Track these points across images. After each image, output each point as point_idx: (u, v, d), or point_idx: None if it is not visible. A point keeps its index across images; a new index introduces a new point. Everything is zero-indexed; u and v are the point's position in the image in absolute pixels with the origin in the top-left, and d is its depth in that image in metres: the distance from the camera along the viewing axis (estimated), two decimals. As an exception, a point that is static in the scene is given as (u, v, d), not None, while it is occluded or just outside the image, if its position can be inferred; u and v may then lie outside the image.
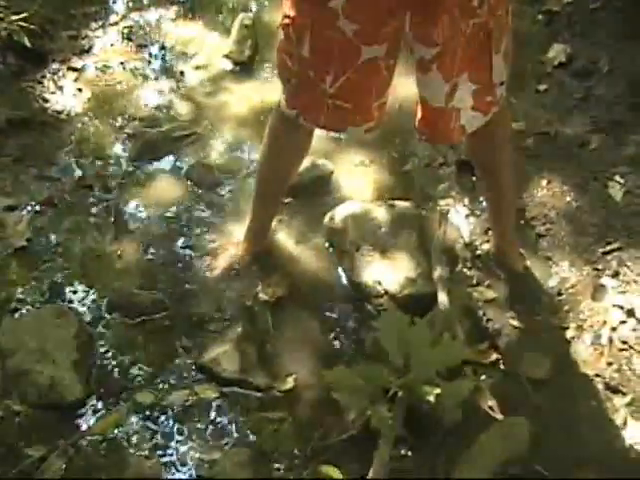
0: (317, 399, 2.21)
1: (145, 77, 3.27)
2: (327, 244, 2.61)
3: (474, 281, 2.50)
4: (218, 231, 2.66)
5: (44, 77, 3.21)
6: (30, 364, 2.21)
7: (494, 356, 2.30)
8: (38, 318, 2.35)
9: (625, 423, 2.16)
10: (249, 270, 2.52)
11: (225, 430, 2.17)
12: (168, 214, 2.73)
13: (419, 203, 2.69)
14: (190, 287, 2.50)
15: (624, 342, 2.32)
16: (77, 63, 3.29)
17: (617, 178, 2.74)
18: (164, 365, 2.30)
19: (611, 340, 2.33)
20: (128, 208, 2.75)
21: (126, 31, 3.47)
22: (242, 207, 2.68)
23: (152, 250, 2.61)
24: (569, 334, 2.36)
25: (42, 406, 2.17)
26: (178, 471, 2.08)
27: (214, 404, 2.21)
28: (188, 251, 2.60)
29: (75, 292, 2.48)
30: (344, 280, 2.52)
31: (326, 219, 2.63)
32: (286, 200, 2.67)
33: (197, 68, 3.32)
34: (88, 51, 3.36)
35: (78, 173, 2.85)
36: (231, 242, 2.60)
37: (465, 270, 2.53)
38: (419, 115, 2.14)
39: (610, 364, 2.28)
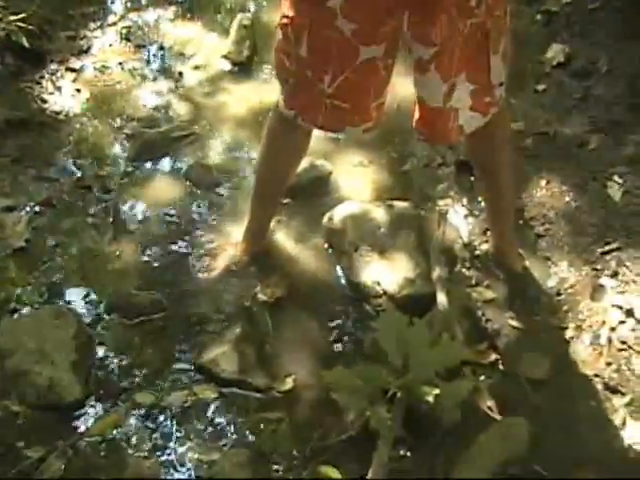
0: (316, 400, 2.21)
1: (143, 77, 3.27)
2: (326, 244, 2.61)
3: (473, 281, 2.50)
4: (217, 231, 2.66)
5: (42, 77, 3.21)
6: (29, 365, 2.21)
7: (493, 356, 2.30)
8: (37, 319, 2.35)
9: (624, 423, 2.16)
10: (248, 270, 2.52)
11: (224, 431, 2.17)
12: (167, 214, 2.72)
13: (418, 203, 2.69)
14: (189, 288, 2.49)
15: (623, 342, 2.32)
16: (75, 63, 3.29)
17: (616, 178, 2.74)
18: (163, 366, 2.29)
19: (610, 340, 2.33)
20: (127, 208, 2.75)
21: (124, 31, 3.47)
22: (241, 207, 2.67)
23: (151, 250, 2.61)
24: (568, 334, 2.36)
25: (41, 407, 2.17)
26: (177, 472, 2.08)
27: (213, 405, 2.21)
28: (187, 251, 2.60)
29: (74, 293, 2.48)
30: (343, 280, 2.52)
31: (325, 219, 2.63)
32: (285, 200, 2.67)
33: (195, 68, 3.32)
34: (86, 51, 3.36)
35: (77, 174, 2.85)
36: (229, 242, 2.60)
37: (464, 270, 2.53)
38: (417, 115, 2.14)
39: (609, 364, 2.28)
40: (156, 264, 2.57)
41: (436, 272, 2.38)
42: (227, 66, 3.33)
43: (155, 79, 3.26)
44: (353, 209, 2.60)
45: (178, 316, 2.41)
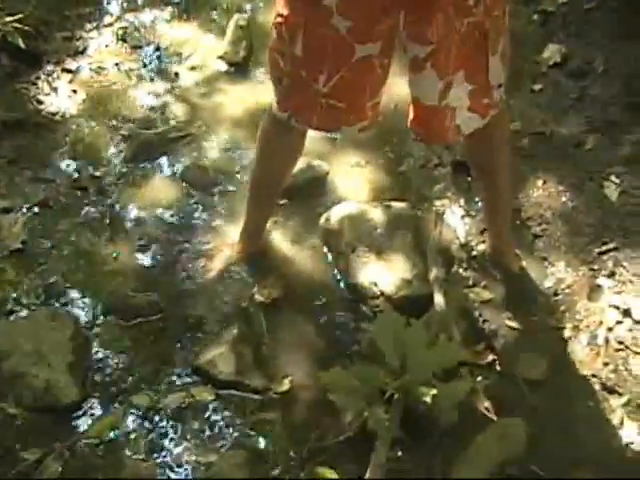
0: (313, 401, 2.21)
1: (140, 78, 3.26)
2: (323, 245, 2.61)
3: (470, 282, 2.50)
4: (213, 232, 2.66)
5: (38, 78, 3.20)
6: (25, 367, 2.20)
7: (490, 357, 2.30)
8: (33, 320, 2.34)
9: (622, 423, 2.16)
10: (244, 271, 2.52)
11: (221, 432, 2.16)
12: (163, 215, 2.72)
13: (415, 204, 2.69)
14: (185, 289, 2.49)
15: (620, 342, 2.32)
16: (72, 64, 3.28)
17: (613, 178, 2.74)
18: (160, 367, 2.29)
19: (607, 340, 2.33)
20: (123, 210, 2.74)
21: (121, 32, 3.46)
22: (237, 208, 2.67)
23: (147, 252, 2.60)
24: (565, 334, 2.36)
25: (38, 409, 2.16)
26: (174, 473, 2.08)
27: (210, 406, 2.21)
28: (183, 252, 2.60)
29: (70, 294, 2.47)
30: (340, 281, 2.52)
31: (322, 220, 2.62)
32: (282, 201, 2.67)
33: (192, 69, 3.32)
34: (83, 52, 3.35)
35: (73, 175, 2.85)
36: (226, 243, 2.60)
37: (461, 271, 2.53)
38: (411, 115, 2.14)
39: (606, 364, 2.28)
40: (153, 265, 2.57)
41: (433, 273, 2.38)
42: (223, 67, 3.32)
43: (151, 80, 3.26)
44: (350, 210, 2.60)
45: (175, 317, 2.41)
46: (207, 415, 2.19)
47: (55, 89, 3.17)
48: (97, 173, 2.85)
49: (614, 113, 2.97)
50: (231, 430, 2.17)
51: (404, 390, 2.01)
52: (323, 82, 2.01)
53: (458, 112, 2.07)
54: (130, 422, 2.17)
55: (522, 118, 2.97)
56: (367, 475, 1.93)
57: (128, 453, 2.10)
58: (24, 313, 2.40)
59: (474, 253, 2.57)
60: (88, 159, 2.90)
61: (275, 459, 2.09)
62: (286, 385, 2.24)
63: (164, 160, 2.94)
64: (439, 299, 2.28)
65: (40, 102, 3.10)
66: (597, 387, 2.24)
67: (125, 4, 3.64)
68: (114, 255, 2.58)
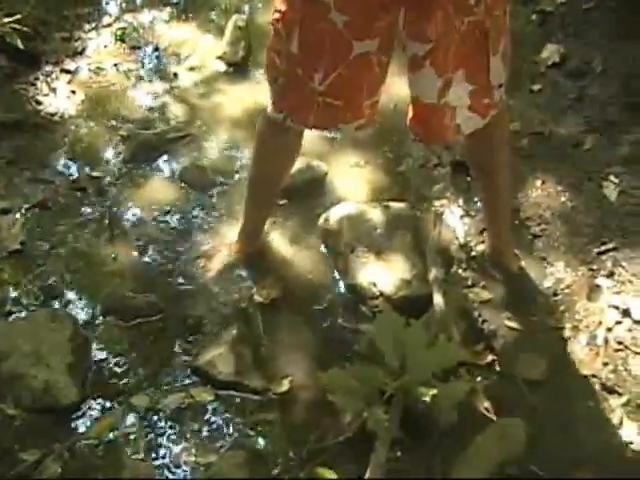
0: (313, 401, 2.21)
1: (138, 79, 3.26)
2: (322, 245, 2.60)
3: (469, 282, 2.50)
4: (212, 233, 2.66)
5: (37, 79, 3.20)
6: (24, 368, 2.20)
7: (490, 357, 2.30)
8: (32, 321, 2.34)
9: (621, 423, 2.16)
10: (243, 272, 2.52)
11: (221, 432, 2.16)
12: (162, 216, 2.72)
13: (414, 204, 2.69)
14: (184, 289, 2.49)
15: (620, 342, 2.32)
16: (70, 65, 3.28)
17: (612, 178, 2.74)
18: (159, 368, 2.29)
19: (607, 340, 2.33)
20: (122, 210, 2.74)
21: (119, 33, 3.46)
22: (236, 208, 2.67)
23: (146, 252, 2.60)
24: (565, 335, 2.36)
25: (37, 410, 2.16)
26: (174, 474, 2.07)
27: (209, 407, 2.21)
28: (182, 253, 2.60)
29: (70, 295, 2.47)
30: (339, 282, 2.51)
31: (321, 220, 2.62)
32: (280, 202, 2.67)
33: (191, 69, 3.32)
34: (81, 53, 3.35)
35: (72, 175, 2.85)
36: (224, 243, 2.60)
37: (460, 271, 2.53)
38: (410, 114, 2.13)
39: (606, 364, 2.28)
40: (152, 266, 2.57)
41: (432, 273, 2.38)
42: (222, 67, 3.33)
43: (150, 80, 3.26)
44: (349, 210, 2.60)
45: (174, 318, 2.41)
46: (206, 416, 2.19)
47: (54, 90, 3.17)
48: (96, 174, 2.85)
49: (613, 113, 2.97)
50: (230, 430, 2.16)
51: (404, 390, 2.01)
52: (319, 80, 2.00)
53: (458, 111, 2.07)
54: (129, 423, 2.16)
55: (521, 118, 2.97)
56: (367, 475, 1.93)
57: (128, 454, 2.10)
58: (23, 314, 2.40)
59: (473, 253, 2.57)
60: (87, 160, 2.90)
61: (274, 459, 2.09)
62: (285, 385, 2.24)
63: (163, 160, 2.94)
64: (438, 299, 2.28)
65: (39, 103, 3.10)
66: (597, 387, 2.24)
67: (124, 4, 3.65)
68: (113, 256, 2.58)
